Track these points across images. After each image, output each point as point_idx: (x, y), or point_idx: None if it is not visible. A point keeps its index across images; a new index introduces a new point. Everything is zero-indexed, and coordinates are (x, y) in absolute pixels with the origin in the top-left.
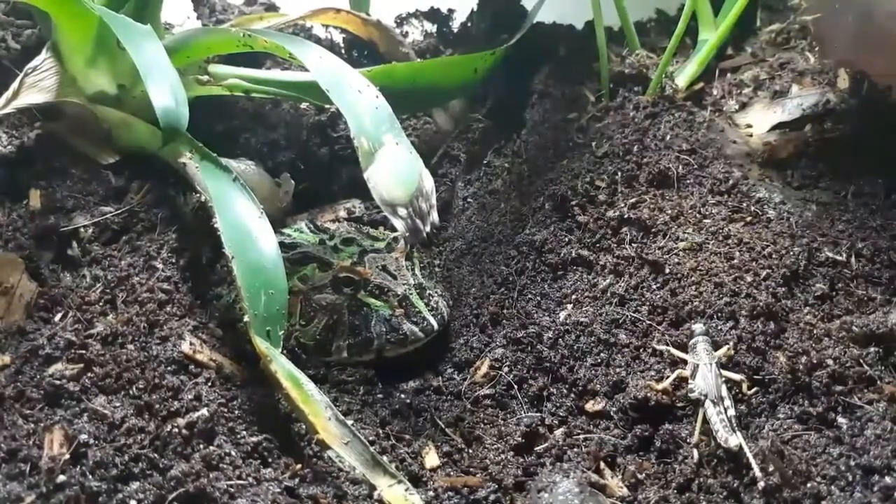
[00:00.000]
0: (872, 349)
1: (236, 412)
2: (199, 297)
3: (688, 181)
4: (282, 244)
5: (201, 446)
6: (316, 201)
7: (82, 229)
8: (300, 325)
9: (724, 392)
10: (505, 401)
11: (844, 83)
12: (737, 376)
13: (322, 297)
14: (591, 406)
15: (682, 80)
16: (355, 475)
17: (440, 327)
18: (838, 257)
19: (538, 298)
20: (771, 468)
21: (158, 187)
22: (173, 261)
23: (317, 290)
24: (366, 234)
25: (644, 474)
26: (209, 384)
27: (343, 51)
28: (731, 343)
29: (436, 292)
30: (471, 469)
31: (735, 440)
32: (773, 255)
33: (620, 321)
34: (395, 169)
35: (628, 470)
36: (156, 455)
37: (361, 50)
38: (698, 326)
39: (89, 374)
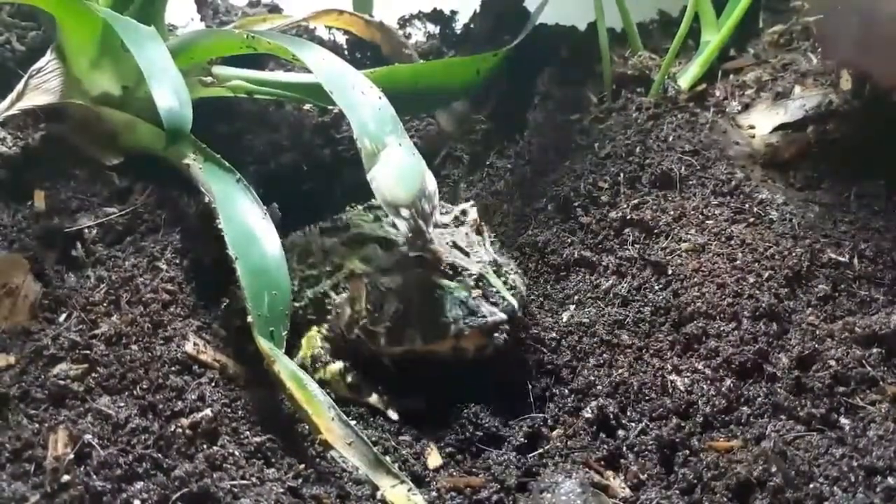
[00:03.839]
0: (875, 350)
1: (240, 412)
2: (203, 297)
3: (690, 182)
4: (334, 228)
5: (205, 446)
6: (318, 202)
7: (86, 230)
8: (367, 312)
9: None
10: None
11: (847, 84)
12: None
13: (390, 279)
14: (594, 406)
15: (684, 81)
16: (358, 475)
17: (521, 308)
18: (841, 258)
19: (541, 299)
20: (774, 469)
21: (162, 188)
22: (177, 261)
23: (383, 273)
24: None
25: (646, 475)
26: (213, 384)
27: (346, 52)
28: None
29: (511, 269)
30: (473, 469)
31: None
32: (776, 256)
33: (623, 322)
34: (397, 170)
35: (631, 470)
36: (160, 455)
37: (364, 51)
38: None
39: (93, 375)
